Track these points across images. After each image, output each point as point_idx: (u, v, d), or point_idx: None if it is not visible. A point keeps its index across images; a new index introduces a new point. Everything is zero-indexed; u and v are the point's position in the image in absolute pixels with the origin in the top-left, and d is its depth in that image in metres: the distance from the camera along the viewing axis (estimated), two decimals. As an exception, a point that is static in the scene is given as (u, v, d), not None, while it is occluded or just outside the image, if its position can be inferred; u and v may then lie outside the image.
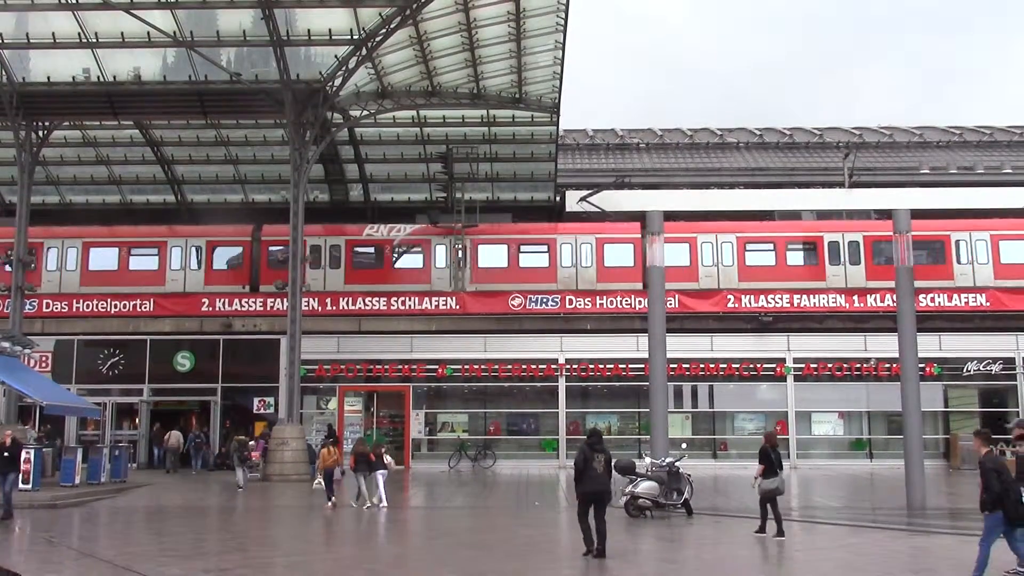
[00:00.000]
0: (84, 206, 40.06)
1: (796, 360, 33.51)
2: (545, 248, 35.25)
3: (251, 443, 29.10)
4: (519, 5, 27.67)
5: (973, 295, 33.84)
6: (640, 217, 33.43)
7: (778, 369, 33.53)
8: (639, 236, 34.40)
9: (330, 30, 28.21)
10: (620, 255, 35.14)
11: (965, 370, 33.57)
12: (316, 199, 38.67)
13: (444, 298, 34.30)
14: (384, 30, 27.78)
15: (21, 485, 21.99)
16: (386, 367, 34.07)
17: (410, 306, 34.19)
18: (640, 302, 31.96)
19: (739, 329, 33.76)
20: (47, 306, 34.52)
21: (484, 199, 37.89)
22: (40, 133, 31.38)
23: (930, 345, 31.06)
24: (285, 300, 30.47)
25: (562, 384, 33.62)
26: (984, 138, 45.34)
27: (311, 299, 33.08)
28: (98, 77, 30.39)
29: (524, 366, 33.70)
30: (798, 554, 15.24)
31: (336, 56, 29.07)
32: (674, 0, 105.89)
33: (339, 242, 35.49)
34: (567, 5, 27.47)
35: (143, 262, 35.69)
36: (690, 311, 33.43)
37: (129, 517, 20.98)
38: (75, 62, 30.25)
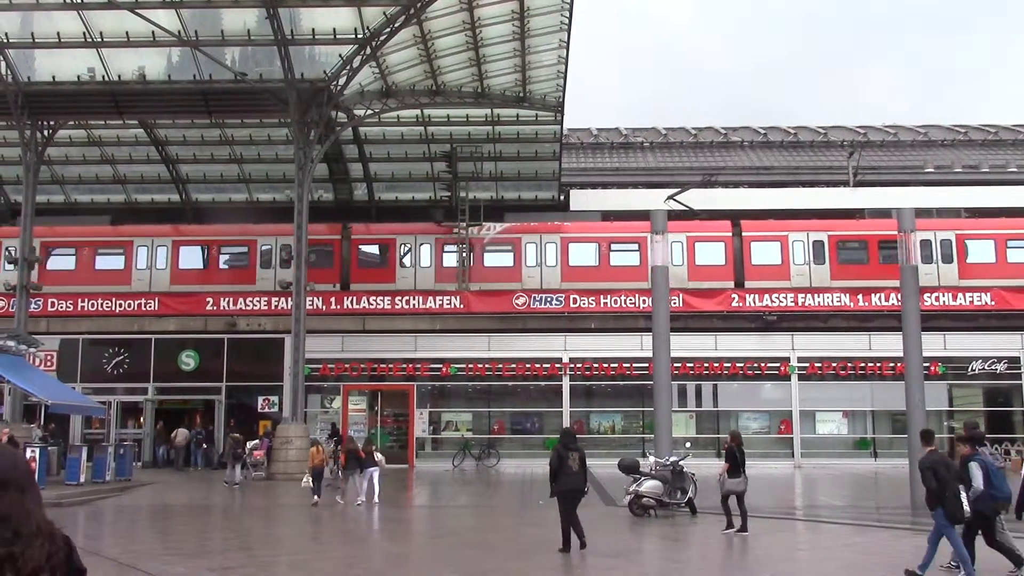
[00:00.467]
0: (89, 205, 40.11)
1: (800, 359, 33.50)
2: (636, 247, 35.19)
3: (254, 442, 29.19)
4: (523, 4, 27.65)
5: (978, 294, 33.80)
6: (731, 215, 33.70)
7: (782, 368, 33.52)
8: (730, 234, 34.53)
9: (334, 29, 28.22)
10: (712, 254, 35.19)
11: (970, 369, 33.53)
12: (320, 198, 38.71)
13: (448, 297, 34.34)
14: (388, 29, 27.79)
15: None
16: (390, 366, 34.11)
17: (414, 305, 34.24)
18: (644, 301, 31.94)
19: (743, 328, 33.74)
20: (52, 305, 34.60)
21: (488, 198, 37.91)
22: (45, 132, 31.43)
23: (935, 344, 31.06)
24: (289, 299, 30.49)
25: (566, 383, 33.63)
26: (989, 136, 45.22)
27: (315, 298, 33.12)
28: (103, 76, 30.43)
29: (528, 365, 33.72)
30: (802, 553, 15.25)
31: (340, 55, 29.08)
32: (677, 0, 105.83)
33: (429, 240, 35.50)
34: (571, 4, 27.44)
35: (234, 260, 35.85)
36: (694, 310, 33.43)
37: (134, 515, 21.03)
38: (80, 61, 30.30)
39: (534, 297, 33.97)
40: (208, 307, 34.51)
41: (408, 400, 33.92)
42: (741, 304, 33.82)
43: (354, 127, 34.68)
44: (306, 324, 29.70)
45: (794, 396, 33.46)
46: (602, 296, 33.97)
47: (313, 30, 28.52)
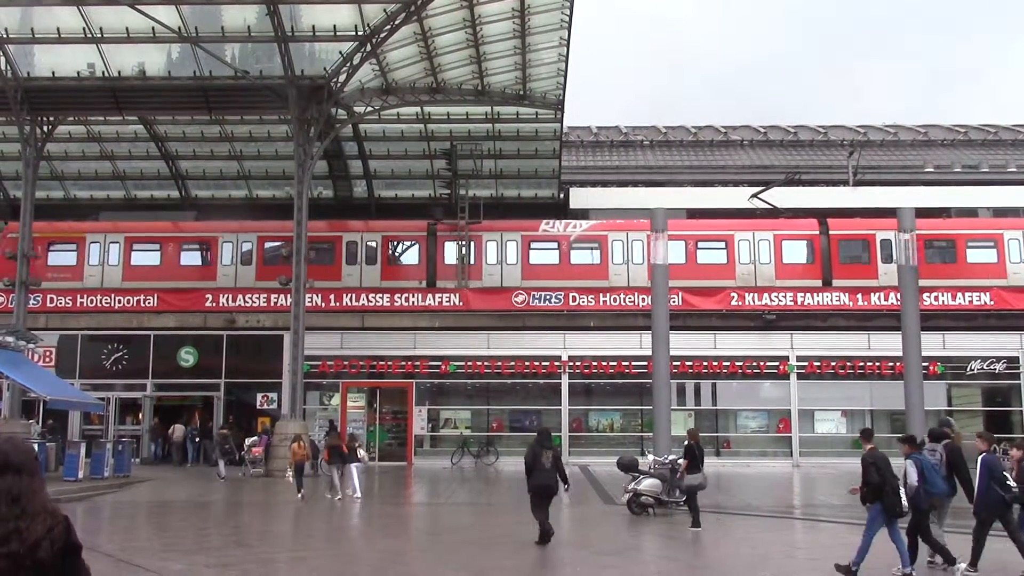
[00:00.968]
0: (88, 201, 40.10)
1: (799, 358, 33.50)
2: (723, 244, 35.13)
3: (253, 438, 29.21)
4: (523, 1, 27.61)
5: (977, 294, 33.79)
6: (815, 214, 33.75)
7: (781, 367, 33.51)
8: (816, 232, 34.55)
9: (335, 26, 28.18)
10: (797, 252, 35.20)
11: (969, 369, 33.52)
12: (320, 195, 38.71)
13: (447, 294, 34.31)
14: (389, 26, 27.76)
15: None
16: (389, 363, 34.09)
17: (413, 302, 34.22)
18: (644, 299, 31.95)
19: (742, 327, 33.73)
20: (51, 301, 34.58)
21: (488, 196, 37.89)
22: (45, 128, 31.40)
23: (934, 344, 31.08)
24: (288, 296, 30.46)
25: (565, 381, 33.62)
26: (989, 136, 45.23)
27: (314, 295, 33.11)
28: (103, 72, 30.40)
29: (527, 363, 33.70)
30: (801, 552, 15.24)
31: (340, 52, 29.05)
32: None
33: (515, 238, 35.51)
34: (572, 2, 27.42)
35: (319, 257, 35.83)
36: (693, 308, 33.41)
37: (132, 512, 21.02)
38: (80, 57, 30.25)
39: (533, 295, 33.94)
40: (207, 303, 34.48)
41: (407, 397, 33.91)
42: (740, 303, 33.81)
43: (354, 124, 34.64)
44: (305, 321, 29.68)
45: (793, 395, 33.45)
46: (601, 294, 33.94)
47: (313, 27, 28.48)
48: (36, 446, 23.65)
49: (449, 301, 34.21)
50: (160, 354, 34.39)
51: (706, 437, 33.29)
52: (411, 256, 35.87)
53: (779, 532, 18.05)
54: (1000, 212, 35.97)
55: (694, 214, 35.29)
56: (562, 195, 37.96)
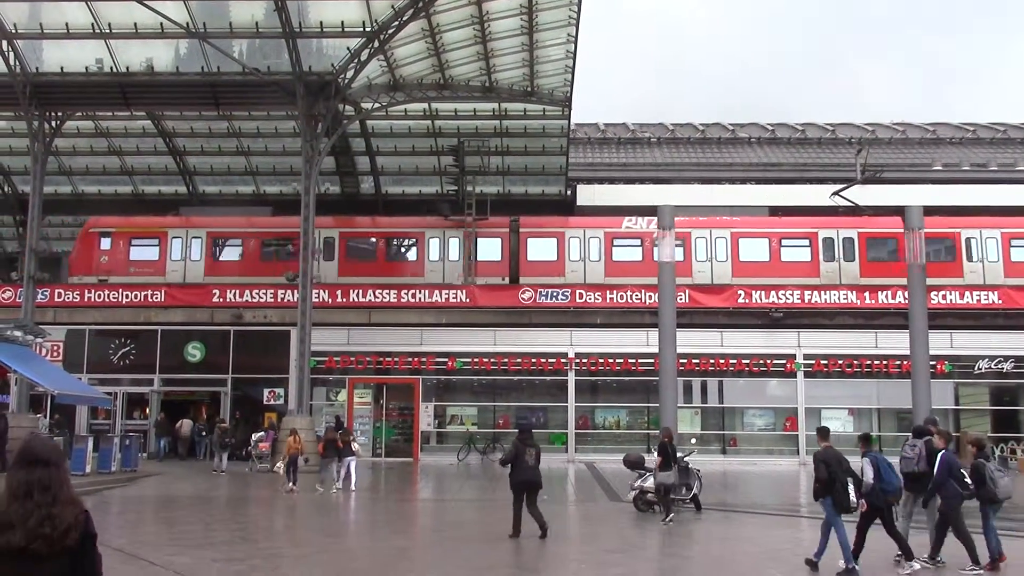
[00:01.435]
0: (96, 196, 40.21)
1: (806, 356, 33.45)
2: (807, 242, 35.19)
3: (260, 434, 29.27)
4: (532, -2, 27.62)
5: (985, 293, 33.70)
6: (902, 212, 33.60)
7: (788, 365, 33.47)
8: (901, 230, 34.48)
9: (342, 22, 28.20)
10: (881, 249, 35.30)
11: (976, 368, 33.44)
12: (327, 191, 38.73)
13: (454, 291, 34.31)
14: (396, 23, 27.77)
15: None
16: (396, 359, 34.10)
17: (420, 299, 34.22)
18: (650, 296, 31.92)
19: (749, 325, 33.68)
20: (59, 295, 34.68)
21: (495, 192, 37.89)
22: (53, 123, 31.47)
23: (941, 342, 31.00)
24: (295, 292, 30.49)
25: (571, 378, 33.61)
26: (998, 135, 45.06)
27: (321, 291, 33.15)
28: (111, 68, 30.46)
29: (534, 360, 33.70)
30: (807, 550, 15.18)
31: (348, 48, 29.07)
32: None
33: (599, 235, 35.49)
34: (580, -1, 27.41)
35: (408, 254, 36.08)
36: (700, 306, 33.35)
37: (139, 506, 21.06)
38: (88, 53, 30.32)
39: (540, 292, 33.92)
40: (214, 299, 34.52)
41: (413, 393, 33.94)
42: (747, 300, 33.74)
43: (361, 120, 34.68)
44: (312, 317, 29.71)
45: (800, 393, 33.41)
46: (608, 291, 33.90)
47: (321, 23, 28.51)
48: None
49: (456, 298, 34.19)
50: (167, 349, 34.45)
51: (713, 435, 33.51)
52: (494, 252, 35.78)
53: (786, 530, 18.04)
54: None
55: (776, 211, 35.35)
56: (569, 192, 37.94)
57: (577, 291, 33.99)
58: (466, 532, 16.14)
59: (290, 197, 36.76)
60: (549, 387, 34.20)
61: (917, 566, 12.38)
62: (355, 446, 24.31)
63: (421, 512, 21.33)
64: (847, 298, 33.67)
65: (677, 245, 34.84)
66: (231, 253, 36.56)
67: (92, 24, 28.58)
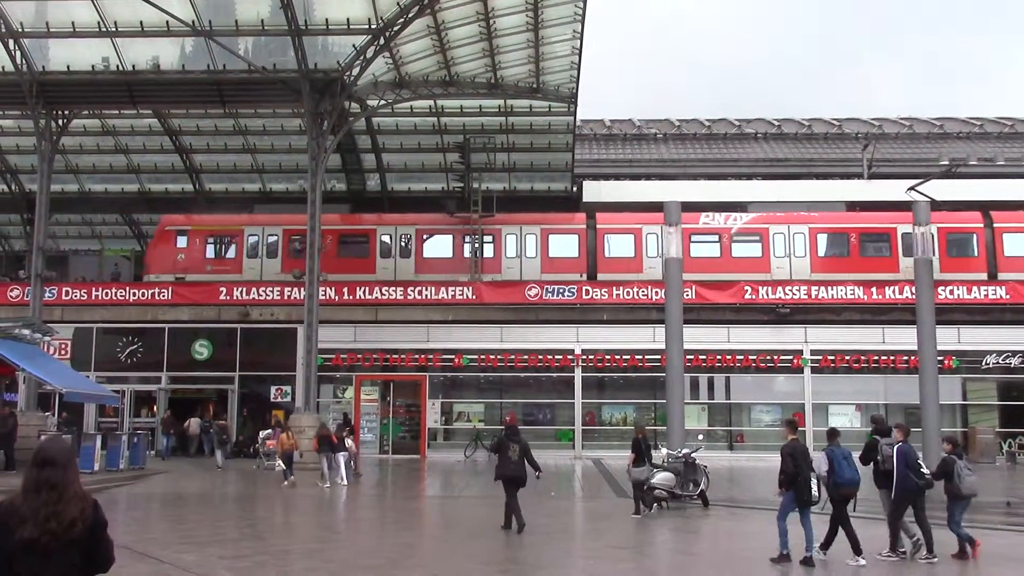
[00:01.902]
0: (102, 195, 40.29)
1: (813, 352, 33.38)
2: (886, 238, 35.09)
3: (267, 431, 29.32)
4: (537, -6, 27.58)
5: (993, 288, 33.61)
6: (979, 206, 33.62)
7: (795, 361, 33.41)
8: (981, 225, 34.43)
9: (348, 19, 28.18)
10: (962, 245, 35.26)
11: (984, 363, 33.36)
12: (333, 188, 38.74)
13: (460, 288, 34.29)
14: (402, 20, 27.74)
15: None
16: (402, 356, 34.10)
17: (427, 296, 34.21)
18: (657, 293, 31.89)
19: (756, 321, 33.62)
20: (66, 294, 34.76)
21: (501, 189, 37.87)
22: (60, 122, 31.49)
23: (949, 338, 30.90)
24: (302, 289, 30.52)
25: (578, 374, 33.59)
26: (1005, 129, 44.94)
27: (328, 288, 33.17)
28: (117, 66, 30.47)
29: (540, 356, 33.68)
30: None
31: (354, 46, 29.04)
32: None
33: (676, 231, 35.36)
34: (585, -6, 27.36)
35: (489, 250, 35.89)
36: (707, 302, 33.30)
37: (147, 504, 21.13)
38: (94, 51, 30.32)
39: (546, 288, 33.88)
40: (221, 297, 34.56)
41: (420, 390, 33.95)
42: (754, 296, 33.67)
43: (367, 117, 34.66)
44: (319, 314, 29.73)
45: (807, 389, 33.35)
46: (614, 288, 33.85)
47: (327, 20, 28.49)
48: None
49: (462, 295, 34.17)
50: (175, 347, 34.51)
51: (720, 431, 33.48)
52: (570, 249, 35.60)
53: (793, 525, 17.98)
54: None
55: (853, 206, 35.28)
56: (575, 188, 37.92)
57: (583, 288, 33.93)
58: (474, 528, 16.15)
59: (296, 195, 36.79)
60: (556, 383, 34.18)
61: (862, 560, 12.76)
62: (348, 442, 25.22)
63: (428, 509, 21.36)
64: (854, 293, 33.58)
65: (755, 241, 34.91)
66: (300, 251, 36.25)
67: (98, 22, 28.58)
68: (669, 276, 25.16)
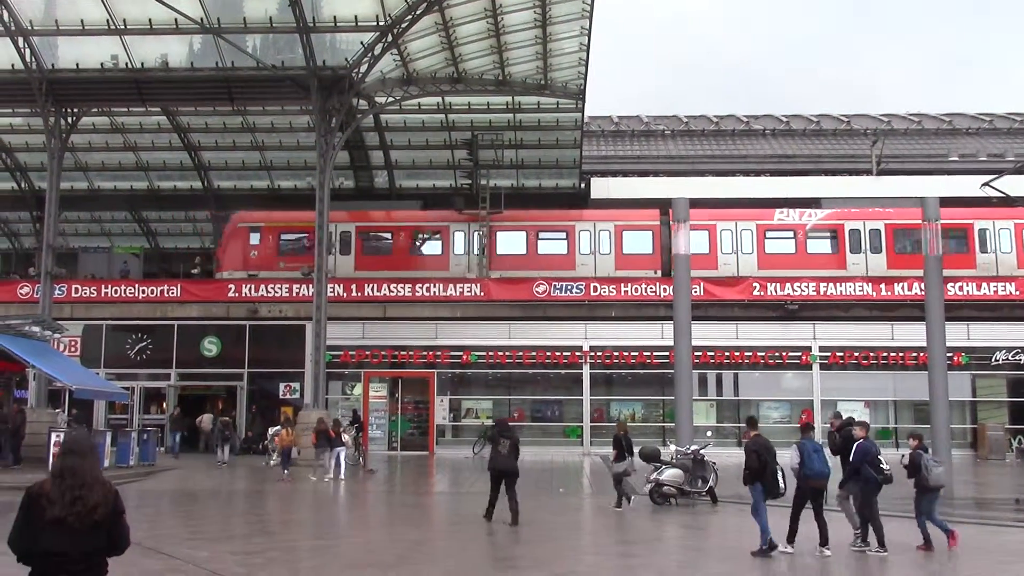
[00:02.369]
0: (111, 192, 40.39)
1: (822, 348, 33.33)
2: (964, 232, 34.93)
3: (276, 428, 29.40)
4: (545, -9, 27.56)
5: (1002, 284, 33.51)
6: None
7: (804, 357, 33.37)
8: None
9: (356, 17, 28.20)
10: None
11: (993, 359, 33.28)
12: (342, 185, 38.77)
13: (468, 284, 34.31)
14: (410, 17, 27.74)
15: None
16: (410, 353, 34.14)
17: (435, 292, 34.22)
18: (665, 289, 31.87)
19: (764, 317, 33.57)
20: (76, 291, 34.86)
21: (509, 186, 37.86)
22: (69, 119, 31.56)
23: (958, 334, 30.83)
24: (311, 286, 30.58)
25: (586, 371, 33.58)
26: (1015, 125, 44.78)
27: (336, 285, 33.21)
28: (126, 64, 30.52)
29: (548, 353, 33.68)
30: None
31: (362, 43, 29.06)
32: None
33: (751, 226, 35.38)
34: (593, -10, 27.32)
35: (550, 246, 35.85)
36: (715, 299, 33.26)
37: (158, 500, 21.19)
38: (103, 49, 30.39)
39: (554, 285, 33.86)
40: (230, 293, 34.64)
41: (428, 387, 33.99)
42: (762, 293, 33.62)
43: (375, 115, 34.67)
44: (327, 311, 29.77)
45: (815, 385, 33.30)
46: (622, 284, 33.82)
47: (335, 17, 28.53)
48: (62, 435, 23.97)
49: (470, 291, 34.18)
50: (184, 344, 34.59)
51: (728, 427, 33.43)
52: (644, 245, 35.38)
53: (801, 522, 17.96)
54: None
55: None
56: (583, 185, 37.89)
57: (591, 284, 33.90)
58: (482, 525, 16.17)
59: (304, 192, 36.82)
60: (564, 380, 34.18)
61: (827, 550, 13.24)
62: (346, 437, 25.74)
63: (438, 505, 21.39)
64: (863, 290, 33.53)
65: (830, 237, 34.78)
66: (378, 247, 36.39)
67: (107, 20, 28.66)
68: (678, 273, 25.15)
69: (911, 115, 46.55)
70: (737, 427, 33.64)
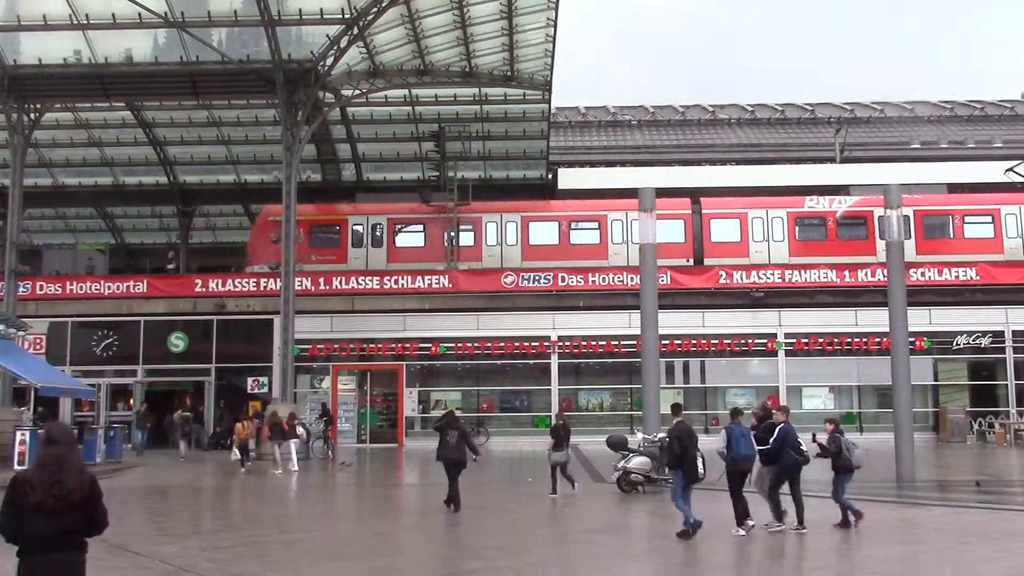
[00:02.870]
0: (76, 188, 40.08)
1: (787, 335, 33.70)
2: (990, 219, 35.11)
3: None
4: (511, -18, 27.63)
5: (963, 269, 33.98)
6: None
7: (769, 344, 33.73)
8: None
9: (321, 9, 28.09)
10: None
11: (955, 343, 33.79)
12: (308, 179, 38.68)
13: (436, 276, 34.34)
14: (375, 9, 27.71)
15: (16, 466, 22.18)
16: (379, 346, 34.16)
17: (403, 285, 34.24)
18: (632, 279, 32.08)
19: (730, 305, 33.88)
20: (40, 288, 34.58)
21: (476, 177, 37.94)
22: (32, 115, 31.30)
23: (920, 319, 31.26)
24: (278, 280, 30.51)
25: (555, 361, 33.76)
26: (975, 112, 45.44)
27: (304, 278, 33.16)
28: (89, 59, 30.29)
29: (517, 343, 33.83)
30: (790, 528, 15.42)
31: (327, 35, 29.00)
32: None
33: (781, 214, 35.27)
34: (558, -19, 27.43)
35: (584, 236, 35.59)
36: (681, 287, 33.53)
37: (125, 497, 21.07)
38: (66, 44, 30.13)
39: (522, 276, 33.99)
40: (197, 288, 34.50)
41: (397, 379, 34.04)
42: (728, 281, 33.92)
43: (342, 108, 34.63)
44: (295, 305, 29.74)
45: (781, 372, 33.68)
46: (590, 274, 33.98)
47: (300, 10, 28.40)
48: (28, 434, 23.90)
49: (438, 283, 34.23)
50: (150, 339, 34.40)
51: (695, 414, 33.66)
52: (676, 234, 34.99)
53: (763, 508, 18.22)
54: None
55: (955, 188, 35.58)
56: (550, 175, 38.03)
57: (559, 274, 34.01)
58: (451, 516, 16.29)
59: (271, 186, 36.69)
60: (532, 370, 34.36)
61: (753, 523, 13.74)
62: (299, 430, 26.18)
63: (406, 497, 21.49)
64: (826, 276, 33.89)
65: (860, 224, 34.92)
66: (412, 239, 36.18)
67: (70, 15, 28.40)
68: (644, 262, 25.30)
69: (874, 103, 47.08)
70: (705, 414, 34.00)
